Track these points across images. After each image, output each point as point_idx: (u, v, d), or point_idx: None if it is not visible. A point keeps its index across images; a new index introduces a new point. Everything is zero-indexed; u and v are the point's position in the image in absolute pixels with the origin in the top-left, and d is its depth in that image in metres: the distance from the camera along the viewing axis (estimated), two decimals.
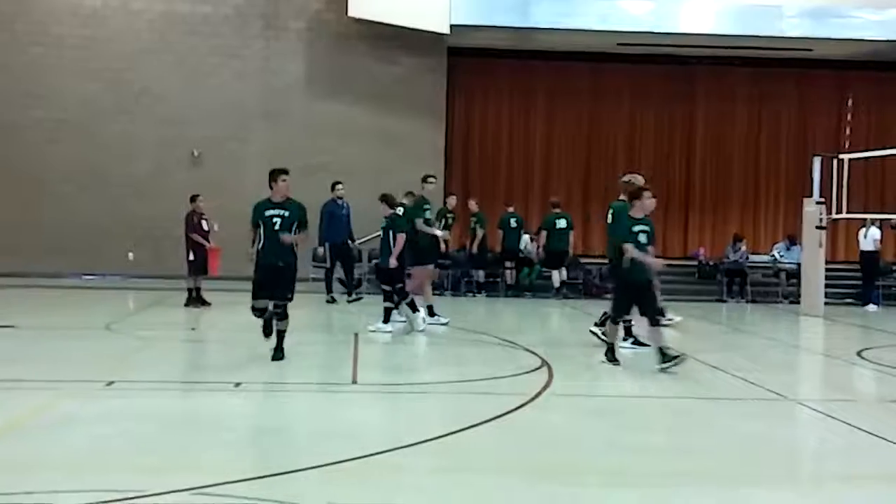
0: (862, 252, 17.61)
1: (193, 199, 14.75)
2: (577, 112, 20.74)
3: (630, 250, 8.91)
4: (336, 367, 9.27)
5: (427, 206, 12.51)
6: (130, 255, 18.60)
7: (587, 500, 4.77)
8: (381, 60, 19.50)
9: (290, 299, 8.79)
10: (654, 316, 9.00)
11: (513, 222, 18.20)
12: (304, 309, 14.90)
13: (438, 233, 12.71)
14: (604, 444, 6.17)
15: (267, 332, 8.83)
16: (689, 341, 11.89)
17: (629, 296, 9.14)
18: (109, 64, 18.94)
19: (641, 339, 9.89)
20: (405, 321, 11.74)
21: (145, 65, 19.05)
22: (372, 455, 5.48)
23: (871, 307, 16.97)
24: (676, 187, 20.91)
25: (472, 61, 20.41)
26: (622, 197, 9.96)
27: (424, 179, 12.69)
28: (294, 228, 8.83)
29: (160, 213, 17.53)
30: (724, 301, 18.01)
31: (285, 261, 8.77)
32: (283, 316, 8.77)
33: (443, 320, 12.29)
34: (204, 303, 14.29)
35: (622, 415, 7.18)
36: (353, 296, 15.42)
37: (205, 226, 14.66)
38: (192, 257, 14.38)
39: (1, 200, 18.35)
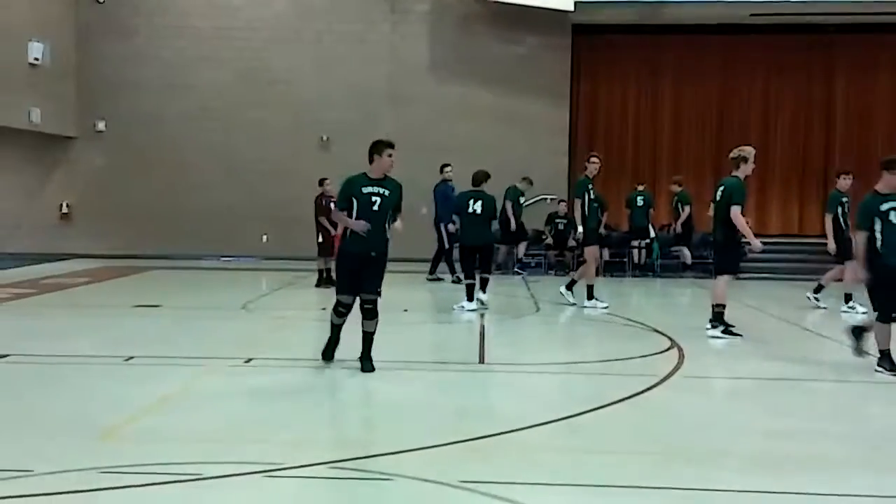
0: None
1: (321, 182, 15.15)
2: (708, 88, 20.08)
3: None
4: (463, 346, 9.36)
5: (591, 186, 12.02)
6: (265, 237, 19.37)
7: (722, 484, 4.66)
8: (504, 41, 19.47)
9: (380, 294, 7.51)
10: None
11: (639, 200, 17.88)
12: (423, 289, 15.17)
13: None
14: (738, 427, 6.02)
15: (329, 353, 7.64)
16: (827, 322, 11.41)
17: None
18: (242, 54, 19.68)
19: (732, 329, 9.39)
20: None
21: (276, 53, 19.70)
22: (503, 433, 5.54)
23: None
24: (815, 163, 20.02)
25: (597, 38, 20.07)
26: (735, 173, 9.40)
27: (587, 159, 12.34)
28: (391, 212, 7.66)
29: (291, 196, 18.10)
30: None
31: (379, 249, 7.48)
32: (374, 314, 7.39)
33: (601, 304, 12.00)
34: (334, 283, 14.64)
35: (757, 397, 6.98)
36: (436, 275, 15.63)
37: (333, 208, 14.99)
38: (321, 239, 14.79)
39: (145, 187, 19.42)
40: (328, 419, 6.14)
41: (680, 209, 17.56)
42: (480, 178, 12.10)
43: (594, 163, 12.06)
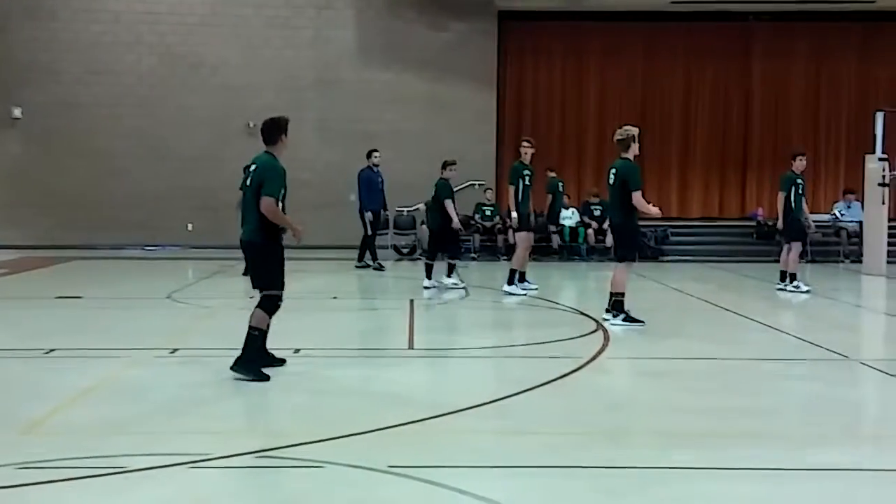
0: None
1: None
2: (631, 73, 20.42)
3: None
4: (392, 332, 9.38)
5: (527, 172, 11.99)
6: (189, 225, 19.05)
7: (644, 461, 4.79)
8: (431, 26, 19.48)
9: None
10: None
11: (561, 186, 18.13)
12: (353, 275, 15.14)
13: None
14: (660, 406, 6.19)
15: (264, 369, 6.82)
16: (746, 303, 11.79)
17: None
18: (165, 38, 19.26)
19: (633, 315, 9.30)
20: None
21: (199, 38, 19.34)
22: (430, 418, 5.58)
23: None
24: (733, 147, 20.57)
25: (522, 25, 20.22)
26: (624, 155, 9.20)
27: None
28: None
29: (218, 184, 17.82)
30: None
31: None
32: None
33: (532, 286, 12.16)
34: None
35: (679, 377, 7.16)
36: (363, 262, 15.50)
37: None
38: None
39: (65, 175, 18.87)
40: (256, 409, 6.10)
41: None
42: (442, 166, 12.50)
43: (527, 147, 12.05)
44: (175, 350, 7.86)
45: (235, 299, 12.17)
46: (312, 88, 19.22)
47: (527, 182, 11.87)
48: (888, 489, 4.42)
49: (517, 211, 11.79)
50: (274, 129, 7.18)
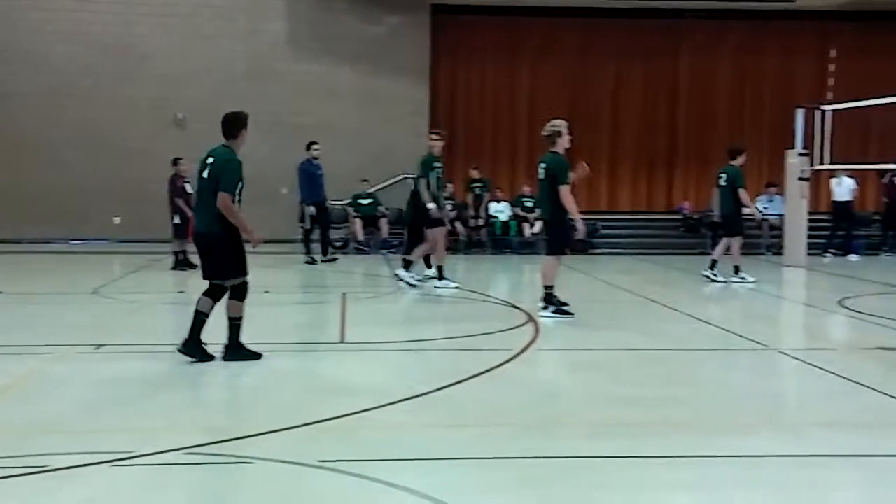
0: (837, 202, 17.74)
1: (175, 162, 14.73)
2: (563, 69, 20.62)
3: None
4: (324, 326, 9.34)
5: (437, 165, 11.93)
6: (116, 219, 18.65)
7: (573, 451, 4.87)
8: (363, 20, 19.42)
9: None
10: None
11: (481, 186, 18.56)
12: (287, 270, 15.01)
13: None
14: (589, 397, 6.29)
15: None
16: (673, 294, 12.05)
17: None
18: (97, 27, 18.84)
19: (565, 308, 9.44)
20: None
21: (136, 29, 19.02)
22: (360, 412, 5.57)
23: (854, 257, 17.16)
24: (661, 142, 20.95)
25: (456, 19, 20.26)
26: (553, 149, 9.31)
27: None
28: None
29: (147, 176, 17.49)
30: (709, 254, 18.09)
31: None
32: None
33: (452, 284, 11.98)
34: (191, 265, 14.29)
35: (607, 368, 7.28)
36: (329, 256, 15.50)
37: (189, 189, 14.64)
38: (177, 221, 14.39)
39: None
40: (183, 405, 6.01)
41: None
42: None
43: (436, 140, 11.99)
44: (100, 346, 7.70)
45: (163, 294, 12.00)
46: (244, 80, 18.96)
47: (439, 174, 11.85)
48: (806, 474, 4.58)
49: (434, 203, 11.60)
50: (235, 123, 7.17)
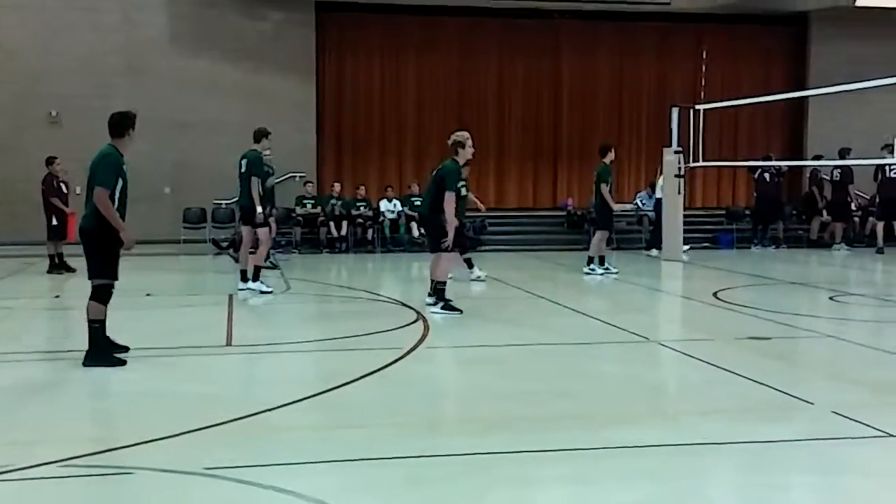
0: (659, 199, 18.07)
1: (50, 161, 14.15)
2: (448, 68, 20.78)
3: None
4: (209, 329, 9.13)
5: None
6: None
7: (463, 448, 4.92)
8: (247, 15, 19.08)
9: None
10: None
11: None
12: (170, 272, 14.62)
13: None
14: (477, 393, 6.37)
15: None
16: (559, 290, 12.33)
17: None
18: None
19: (453, 304, 9.58)
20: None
21: (2, 23, 18.04)
22: (249, 416, 5.48)
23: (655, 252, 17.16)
24: (545, 140, 21.36)
25: (341, 16, 20.15)
26: (455, 157, 9.63)
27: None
28: None
29: (18, 175, 16.73)
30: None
31: None
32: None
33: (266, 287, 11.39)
34: (68, 268, 13.75)
35: (495, 363, 7.39)
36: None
37: (64, 189, 14.09)
38: (54, 222, 13.83)
39: None
40: (61, 415, 5.76)
41: None
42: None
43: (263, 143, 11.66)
44: None
45: (38, 299, 11.49)
46: (121, 75, 18.31)
47: (272, 174, 11.85)
48: (684, 462, 4.76)
49: (261, 205, 11.25)
50: (121, 123, 7.07)
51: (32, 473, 4.44)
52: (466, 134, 9.82)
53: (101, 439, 5.08)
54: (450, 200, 9.38)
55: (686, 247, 16.94)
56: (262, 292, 11.21)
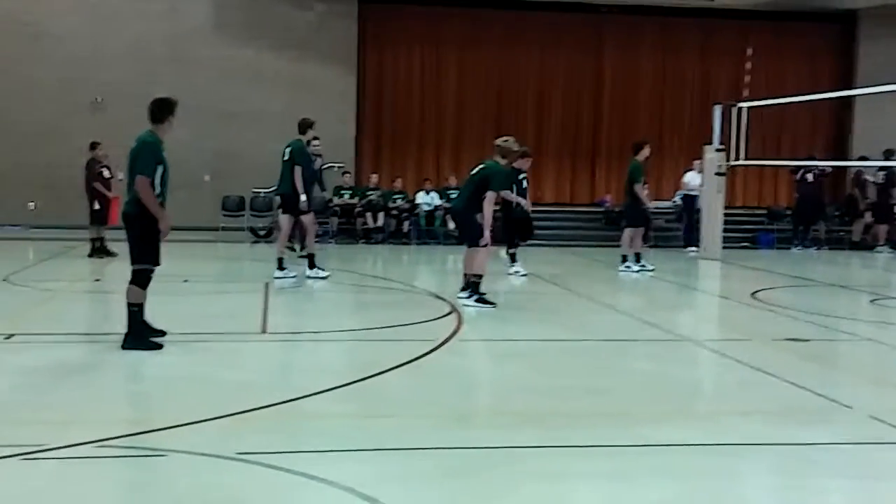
0: (688, 195, 17.66)
1: (93, 146, 14.33)
2: (489, 62, 20.69)
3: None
4: (245, 316, 9.20)
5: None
6: (31, 204, 18.03)
7: (495, 441, 4.91)
8: (291, 5, 19.17)
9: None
10: None
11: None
12: (208, 259, 14.76)
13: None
14: (509, 387, 6.35)
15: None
16: (594, 286, 12.25)
17: None
18: (6, 6, 18.11)
19: (487, 298, 9.60)
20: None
21: (44, 7, 18.31)
22: (282, 403, 5.52)
23: (692, 251, 16.92)
24: (584, 136, 21.21)
25: (384, 8, 20.16)
26: (496, 158, 9.75)
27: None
28: None
29: (62, 160, 16.96)
30: None
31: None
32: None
33: (323, 273, 11.64)
34: (109, 253, 13.94)
35: (530, 358, 7.37)
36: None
37: (106, 174, 14.28)
38: (96, 207, 14.02)
39: None
40: (97, 397, 5.85)
41: None
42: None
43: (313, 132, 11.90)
44: (10, 336, 7.45)
45: (79, 282, 11.67)
46: (166, 63, 18.49)
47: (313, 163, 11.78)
48: (718, 462, 4.71)
49: (305, 193, 11.34)
50: (161, 109, 7.14)
51: (68, 453, 4.51)
52: (518, 146, 10.15)
53: (136, 421, 5.14)
54: (490, 201, 9.52)
55: (694, 249, 16.77)
56: (322, 278, 11.42)
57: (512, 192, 12.11)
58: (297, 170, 11.35)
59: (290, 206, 11.50)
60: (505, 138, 9.98)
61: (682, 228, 18.46)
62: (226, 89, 18.67)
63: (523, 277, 12.31)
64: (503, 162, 9.80)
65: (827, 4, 20.38)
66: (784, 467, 4.67)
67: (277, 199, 16.33)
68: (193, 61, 18.67)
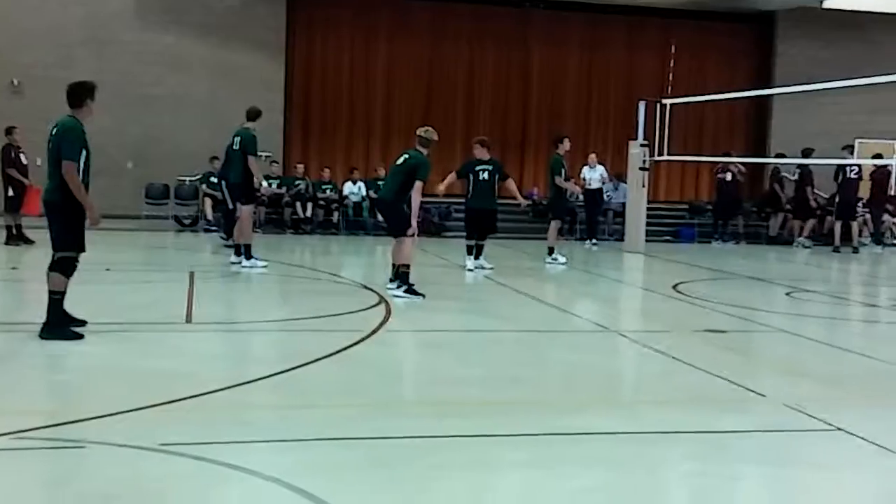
0: (588, 189, 17.57)
1: (10, 131, 13.88)
2: (418, 53, 20.75)
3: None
4: (169, 305, 9.05)
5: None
6: None
7: (418, 430, 4.95)
8: None
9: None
10: None
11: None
12: (132, 247, 14.45)
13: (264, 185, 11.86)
14: (436, 377, 6.40)
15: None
16: (521, 277, 12.39)
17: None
18: None
19: (416, 289, 9.64)
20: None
21: None
22: (206, 394, 5.46)
23: (590, 244, 17.15)
24: (512, 129, 21.42)
25: None
26: (419, 148, 9.88)
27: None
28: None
29: None
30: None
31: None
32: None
33: (260, 263, 11.63)
34: (26, 241, 13.53)
35: (456, 348, 7.43)
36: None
37: (23, 160, 13.84)
38: (10, 193, 13.59)
39: None
40: (13, 387, 5.68)
41: None
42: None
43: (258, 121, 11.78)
44: None
45: None
46: (84, 46, 18.01)
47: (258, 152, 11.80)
48: (636, 449, 4.83)
49: (264, 181, 11.48)
50: (80, 92, 6.99)
51: None
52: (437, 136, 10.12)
53: (55, 412, 5.02)
54: (419, 190, 9.67)
55: (592, 241, 17.12)
56: (261, 267, 11.39)
57: (469, 182, 12.36)
58: (251, 159, 11.32)
59: (245, 193, 11.40)
60: (426, 128, 10.11)
61: (609, 222, 18.86)
62: (147, 74, 18.30)
63: (480, 271, 12.27)
64: (425, 152, 9.91)
65: (746, 5, 20.96)
66: (702, 454, 4.82)
67: (204, 186, 16.11)
68: (113, 44, 18.25)
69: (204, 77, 18.60)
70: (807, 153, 18.60)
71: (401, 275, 9.68)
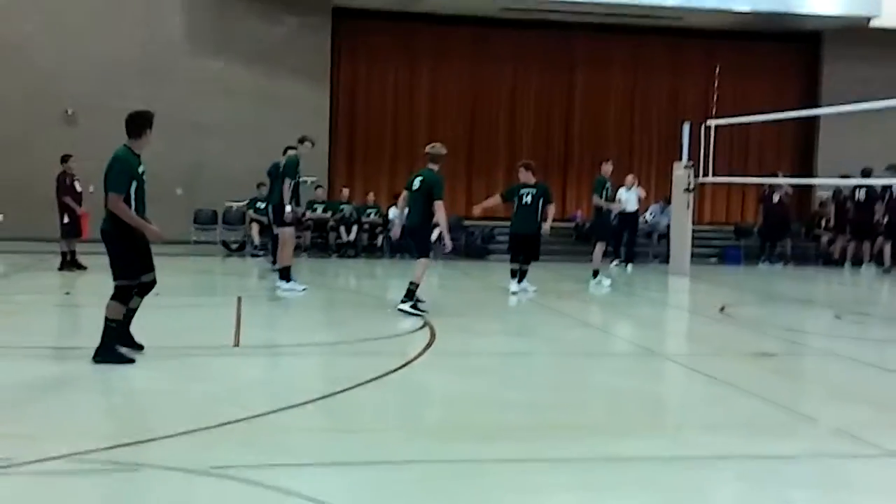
0: (625, 212, 17.17)
1: (65, 159, 14.22)
2: (460, 77, 20.89)
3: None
4: (218, 329, 9.18)
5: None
6: (0, 216, 17.87)
7: (465, 454, 4.96)
8: (263, 19, 19.20)
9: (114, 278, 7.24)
10: None
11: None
12: (181, 272, 14.69)
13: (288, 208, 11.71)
14: (482, 401, 6.39)
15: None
16: (566, 300, 12.35)
17: None
18: None
19: (420, 307, 9.88)
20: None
21: (12, 20, 18.17)
22: (255, 417, 5.53)
23: (631, 267, 17.05)
24: (555, 152, 21.43)
25: (357, 23, 20.27)
26: (430, 165, 10.17)
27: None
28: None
29: (32, 173, 16.82)
30: None
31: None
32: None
33: (299, 287, 11.71)
34: (79, 266, 13.84)
35: (500, 371, 7.44)
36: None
37: (77, 187, 14.18)
38: (65, 220, 13.91)
39: None
40: (68, 410, 5.81)
41: None
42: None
43: (306, 145, 11.87)
44: None
45: (47, 295, 11.56)
46: (136, 75, 18.45)
47: (299, 177, 11.86)
48: (684, 475, 4.79)
49: (290, 204, 11.48)
50: (139, 122, 7.07)
51: (39, 468, 4.49)
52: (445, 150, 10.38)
53: (108, 435, 5.13)
54: (440, 206, 9.99)
55: (620, 261, 16.91)
56: (299, 291, 11.49)
57: (514, 205, 12.47)
58: (287, 181, 11.49)
59: (280, 217, 11.62)
60: (433, 144, 10.36)
61: (653, 245, 18.73)
62: (197, 102, 18.65)
63: (532, 294, 12.21)
64: (436, 168, 10.15)
65: (792, 26, 20.78)
66: (750, 479, 4.75)
67: (251, 212, 16.34)
68: (165, 74, 18.65)
69: (251, 104, 18.92)
70: (866, 173, 18.07)
71: (409, 291, 9.94)
